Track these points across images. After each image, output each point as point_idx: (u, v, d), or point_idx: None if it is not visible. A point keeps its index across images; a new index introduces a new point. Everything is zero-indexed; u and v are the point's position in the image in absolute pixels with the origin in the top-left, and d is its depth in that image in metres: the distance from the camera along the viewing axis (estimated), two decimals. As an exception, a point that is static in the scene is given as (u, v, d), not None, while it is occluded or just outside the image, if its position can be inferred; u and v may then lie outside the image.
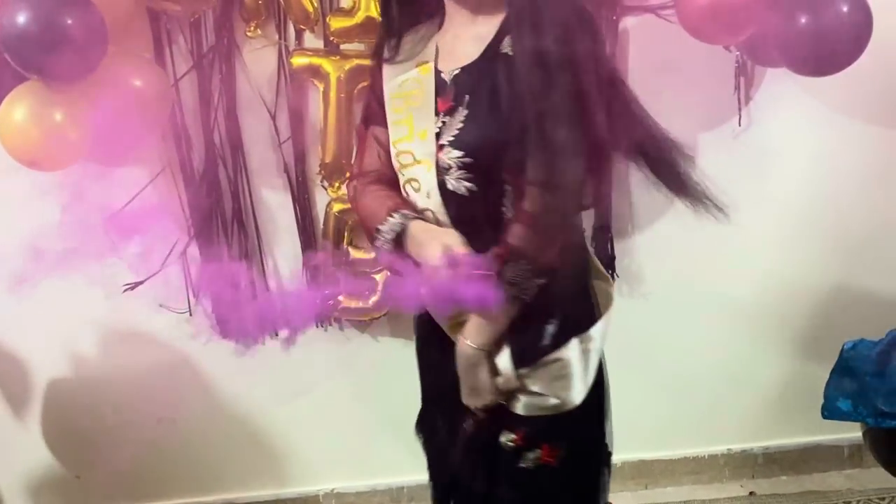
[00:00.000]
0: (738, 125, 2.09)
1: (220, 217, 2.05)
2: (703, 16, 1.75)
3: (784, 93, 2.06)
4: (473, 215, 1.24)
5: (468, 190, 1.24)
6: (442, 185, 1.25)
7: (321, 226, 2.09)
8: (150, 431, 2.27)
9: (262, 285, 2.11)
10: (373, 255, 2.05)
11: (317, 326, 2.16)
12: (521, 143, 1.17)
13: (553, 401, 1.29)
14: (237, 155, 2.03)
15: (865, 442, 2.09)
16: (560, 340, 1.27)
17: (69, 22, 1.58)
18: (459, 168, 1.23)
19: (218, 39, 1.95)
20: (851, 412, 1.98)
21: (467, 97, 1.24)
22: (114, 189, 1.94)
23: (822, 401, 2.04)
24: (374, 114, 1.35)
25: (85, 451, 2.29)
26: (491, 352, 1.27)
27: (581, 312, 1.31)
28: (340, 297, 2.06)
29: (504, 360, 1.27)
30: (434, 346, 1.39)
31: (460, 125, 1.23)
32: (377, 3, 1.80)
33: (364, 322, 2.16)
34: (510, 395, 1.29)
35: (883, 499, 2.26)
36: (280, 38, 1.97)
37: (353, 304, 2.07)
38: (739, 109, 2.08)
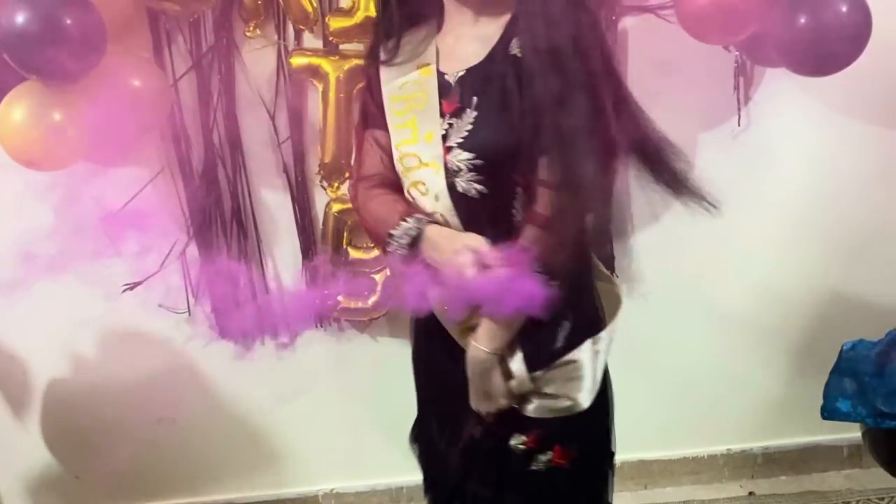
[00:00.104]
0: (738, 125, 2.09)
1: (220, 217, 2.05)
2: (702, 16, 1.75)
3: (783, 93, 2.06)
4: (484, 217, 1.23)
5: (479, 192, 1.23)
6: (451, 188, 1.24)
7: (320, 226, 2.08)
8: (149, 431, 2.27)
9: (261, 285, 2.11)
10: (372, 255, 2.05)
11: (316, 326, 2.16)
12: (534, 144, 1.17)
13: (565, 402, 1.29)
14: (236, 155, 2.03)
15: (865, 442, 2.09)
16: (573, 342, 1.27)
17: (68, 22, 1.58)
18: (470, 170, 1.23)
19: (217, 39, 1.95)
20: (851, 413, 1.98)
21: (475, 99, 1.23)
22: (113, 189, 1.94)
23: (821, 401, 2.04)
24: (373, 116, 1.33)
25: (84, 451, 2.29)
26: (503, 356, 1.26)
27: (591, 313, 1.32)
28: (340, 298, 2.05)
29: (518, 363, 1.27)
30: (438, 351, 1.37)
31: (469, 127, 1.23)
32: (376, 4, 1.80)
33: (363, 322, 2.16)
34: (521, 398, 1.29)
35: (882, 499, 2.26)
36: (279, 38, 1.97)
37: (353, 304, 2.07)
38: (739, 109, 2.08)
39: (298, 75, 1.96)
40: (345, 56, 1.93)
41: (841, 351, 2.03)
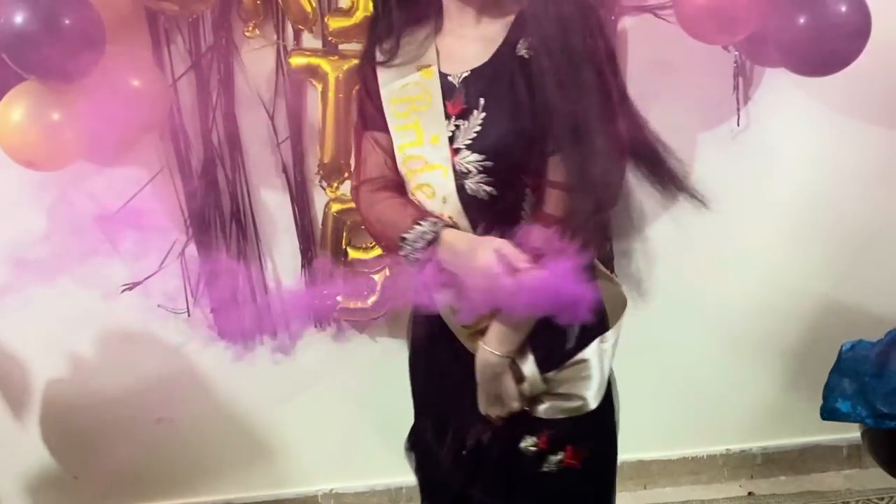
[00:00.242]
0: (737, 125, 2.09)
1: (219, 217, 2.05)
2: (701, 16, 1.75)
3: (783, 93, 2.06)
4: (493, 219, 1.21)
5: (488, 194, 1.22)
6: (460, 190, 1.23)
7: (319, 226, 2.08)
8: (148, 432, 2.27)
9: (261, 286, 2.11)
10: (371, 255, 2.05)
11: (315, 327, 2.16)
12: (545, 145, 1.17)
13: (576, 402, 1.29)
14: (235, 155, 2.03)
15: (864, 443, 2.09)
16: (582, 341, 1.27)
17: (67, 21, 1.57)
18: (480, 172, 1.22)
19: (216, 39, 1.95)
20: (850, 413, 1.98)
21: (482, 100, 1.22)
22: (112, 189, 1.94)
23: (820, 401, 2.04)
24: (372, 118, 1.31)
25: (83, 451, 2.29)
26: (513, 358, 1.25)
27: (598, 312, 1.29)
28: (339, 298, 2.05)
29: (529, 365, 1.26)
30: (442, 355, 1.36)
31: (478, 128, 1.22)
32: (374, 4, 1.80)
33: (362, 322, 2.15)
34: (532, 399, 1.28)
35: (882, 499, 2.26)
36: (278, 39, 1.96)
37: (352, 304, 2.07)
38: (738, 109, 2.07)
39: (297, 75, 1.96)
40: (344, 56, 1.93)
41: (840, 351, 2.03)
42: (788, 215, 2.19)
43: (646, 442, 2.29)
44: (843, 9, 1.69)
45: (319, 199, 2.07)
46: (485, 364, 1.25)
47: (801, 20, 1.69)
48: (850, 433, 2.22)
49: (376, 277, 2.05)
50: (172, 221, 2.05)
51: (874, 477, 2.25)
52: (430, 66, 1.27)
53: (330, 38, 1.93)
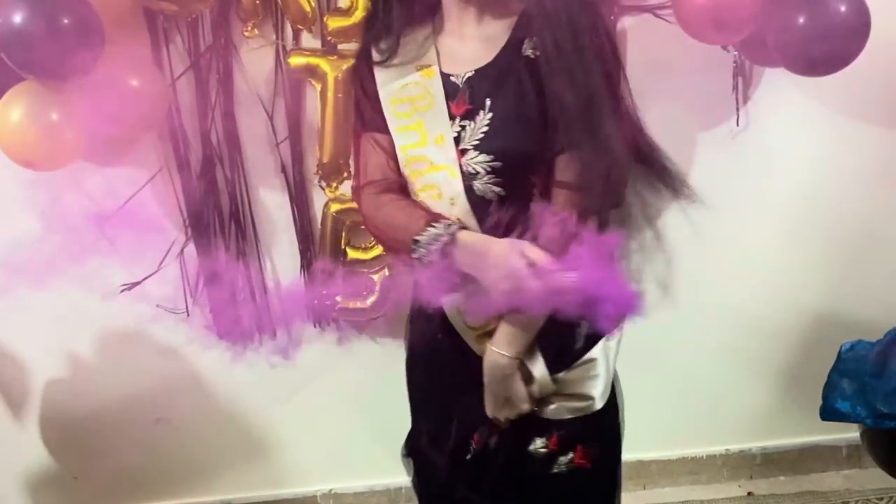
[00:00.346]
0: (736, 125, 2.09)
1: (218, 217, 2.05)
2: (700, 15, 1.75)
3: (782, 93, 2.06)
4: (502, 219, 1.20)
5: (496, 194, 1.22)
6: (468, 191, 1.22)
7: (319, 226, 2.08)
8: (147, 432, 2.27)
9: (260, 286, 2.11)
10: (370, 255, 2.05)
11: (314, 327, 2.16)
12: (554, 144, 1.17)
13: (584, 402, 1.29)
14: (234, 155, 2.03)
15: (863, 443, 2.09)
16: (590, 341, 1.27)
17: (65, 21, 1.57)
18: (488, 172, 1.21)
19: (215, 39, 1.95)
20: (850, 413, 1.98)
21: (488, 100, 1.22)
22: (111, 189, 1.94)
23: (820, 401, 2.04)
24: (371, 118, 1.29)
25: (82, 451, 2.29)
26: (522, 359, 1.25)
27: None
28: (338, 298, 2.05)
29: (539, 366, 1.25)
30: (446, 359, 1.34)
31: (485, 129, 1.21)
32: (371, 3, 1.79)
33: (362, 322, 2.15)
34: (540, 401, 1.28)
35: (881, 499, 2.26)
36: (277, 38, 1.96)
37: (351, 304, 2.07)
38: (737, 109, 2.07)
39: (297, 75, 1.96)
40: (343, 56, 1.93)
41: (840, 351, 2.03)
42: (788, 215, 2.19)
43: (645, 442, 2.29)
44: (843, 9, 1.69)
45: (318, 199, 2.07)
46: (494, 366, 1.24)
47: (801, 20, 1.69)
48: (850, 433, 2.22)
49: (375, 277, 2.04)
50: (171, 221, 2.05)
51: (874, 477, 2.25)
52: (430, 66, 1.26)
53: (329, 38, 1.93)
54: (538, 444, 1.30)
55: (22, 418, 2.26)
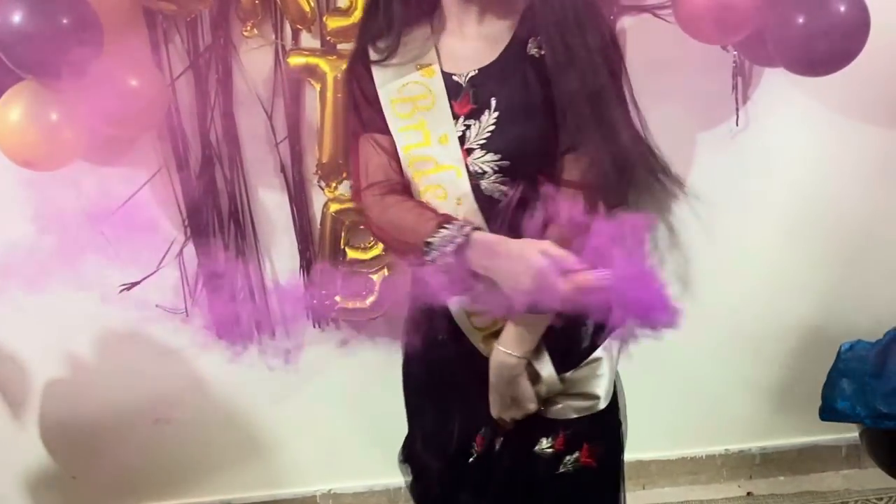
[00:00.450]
0: (736, 125, 2.09)
1: (217, 217, 2.05)
2: (700, 15, 1.75)
3: (781, 93, 2.06)
4: (508, 219, 1.19)
5: (504, 194, 1.21)
6: (475, 190, 1.22)
7: (318, 226, 2.08)
8: (146, 432, 2.27)
9: (259, 286, 2.11)
10: (370, 255, 2.05)
11: (314, 327, 2.16)
12: (563, 143, 1.16)
13: (589, 401, 1.29)
14: (234, 155, 2.03)
15: (863, 443, 2.09)
16: (595, 339, 1.27)
17: (64, 21, 1.57)
18: (496, 172, 1.21)
19: (214, 39, 1.95)
20: (849, 413, 1.98)
21: (493, 100, 1.21)
22: (110, 189, 1.94)
23: (819, 401, 2.04)
24: (370, 119, 1.28)
25: (81, 451, 2.29)
26: (529, 359, 1.24)
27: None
28: (337, 298, 2.05)
29: (546, 366, 1.25)
30: (448, 360, 1.33)
31: (492, 127, 1.21)
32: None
33: (361, 322, 2.15)
34: (545, 401, 1.28)
35: (881, 499, 2.26)
36: (277, 38, 1.96)
37: (350, 304, 2.07)
38: (737, 109, 2.07)
39: (296, 75, 1.96)
40: (342, 56, 1.92)
41: (839, 351, 2.03)
42: (787, 215, 2.18)
43: (645, 442, 2.29)
44: (842, 8, 1.69)
45: (318, 198, 2.07)
46: (501, 366, 1.24)
47: (800, 20, 1.69)
48: (849, 433, 2.22)
49: (375, 277, 2.04)
50: (170, 221, 2.05)
51: (873, 477, 2.25)
52: (430, 65, 1.26)
53: (328, 38, 1.93)
54: (544, 445, 1.30)
55: (21, 418, 2.26)
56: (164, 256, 2.01)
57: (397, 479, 2.29)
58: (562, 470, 1.30)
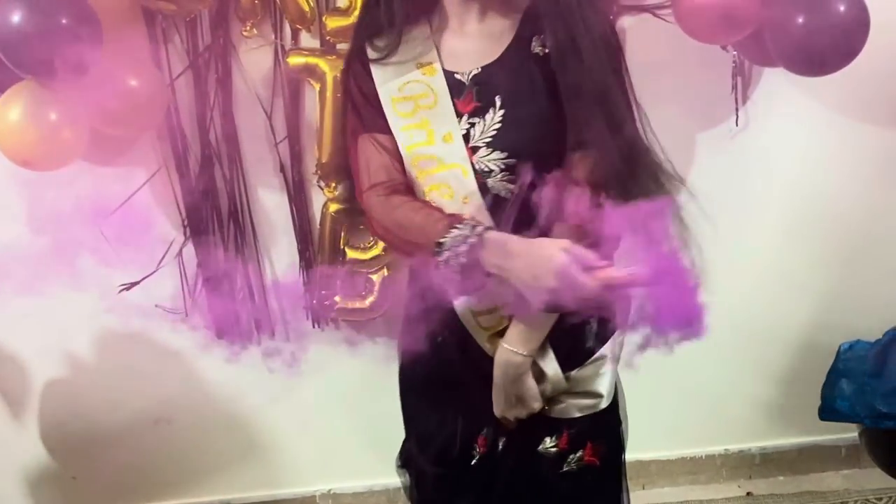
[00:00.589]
0: (735, 125, 2.09)
1: (216, 217, 2.05)
2: (699, 15, 1.75)
3: (781, 93, 2.06)
4: (515, 217, 1.18)
5: (511, 192, 1.21)
6: (482, 189, 1.21)
7: (317, 226, 2.08)
8: (146, 433, 2.27)
9: (258, 286, 2.10)
10: (369, 255, 2.05)
11: (314, 327, 2.15)
12: (570, 140, 1.16)
13: (592, 399, 1.29)
14: (233, 154, 2.03)
15: (862, 443, 2.09)
16: (600, 339, 1.28)
17: (64, 21, 1.57)
18: (503, 170, 1.21)
19: (214, 39, 1.95)
20: (849, 413, 1.98)
21: (498, 98, 1.21)
22: (109, 189, 1.94)
23: (819, 401, 2.04)
24: (370, 118, 1.27)
25: (81, 452, 2.28)
26: (534, 358, 1.24)
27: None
28: (337, 298, 2.05)
29: (552, 364, 1.25)
30: (450, 361, 1.32)
31: (498, 125, 1.21)
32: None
33: (360, 322, 2.15)
34: (549, 400, 1.27)
35: (880, 499, 2.26)
36: (276, 38, 1.96)
37: (350, 304, 2.07)
38: (737, 109, 2.07)
39: (295, 75, 1.96)
40: (342, 56, 1.92)
41: (838, 351, 2.03)
42: (786, 215, 2.18)
43: (644, 442, 2.28)
44: (842, 8, 1.69)
45: (317, 198, 2.07)
46: (507, 364, 1.23)
47: (800, 19, 1.69)
48: (849, 433, 2.22)
49: (374, 277, 2.04)
50: (170, 221, 2.05)
51: (873, 477, 2.25)
52: (431, 63, 1.25)
53: (328, 38, 1.93)
54: (548, 444, 1.30)
55: (21, 419, 2.26)
56: (163, 256, 2.01)
57: (397, 479, 2.29)
58: (565, 469, 1.30)
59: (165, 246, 2.02)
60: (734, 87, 2.05)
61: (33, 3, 1.56)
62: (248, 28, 1.93)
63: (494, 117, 1.21)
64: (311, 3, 1.90)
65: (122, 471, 2.30)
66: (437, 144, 1.23)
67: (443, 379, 1.35)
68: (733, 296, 2.20)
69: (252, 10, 1.91)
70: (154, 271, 1.99)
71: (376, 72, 1.27)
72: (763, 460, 2.39)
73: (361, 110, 1.28)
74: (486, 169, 1.21)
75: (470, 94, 1.23)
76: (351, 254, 2.06)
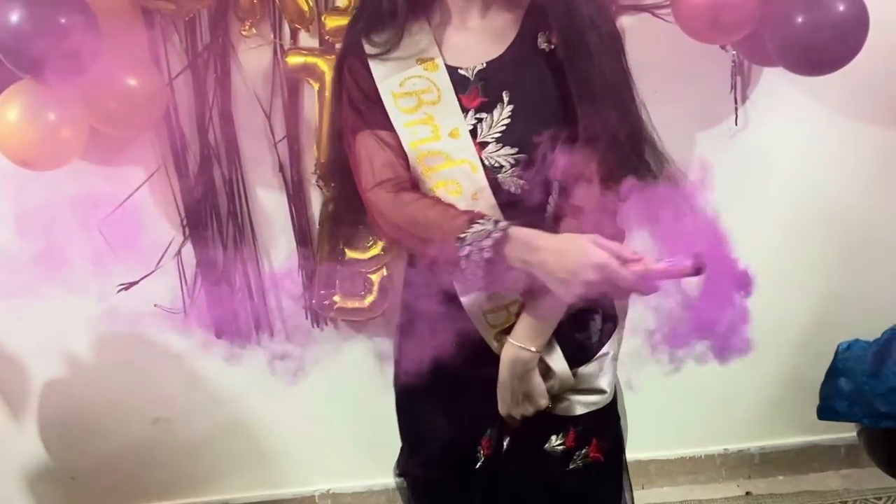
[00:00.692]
0: (735, 124, 2.09)
1: (215, 217, 2.04)
2: (699, 15, 1.75)
3: (780, 92, 2.06)
4: (523, 212, 1.19)
5: (519, 187, 1.21)
6: (492, 185, 1.21)
7: (317, 226, 2.08)
8: (145, 432, 2.27)
9: (257, 285, 2.10)
10: (369, 255, 2.05)
11: (313, 327, 2.15)
12: (575, 136, 1.16)
13: (597, 396, 1.29)
14: (232, 154, 2.03)
15: (861, 442, 2.09)
16: (605, 335, 1.28)
17: (63, 21, 1.57)
18: (513, 165, 1.20)
19: (213, 38, 1.94)
20: (847, 413, 1.98)
21: (505, 93, 1.21)
22: (108, 188, 1.94)
23: (818, 401, 2.04)
24: (372, 116, 1.25)
25: (80, 452, 2.28)
26: (542, 354, 1.24)
27: (610, 304, 1.30)
28: (336, 298, 2.05)
29: (559, 361, 1.25)
30: (456, 363, 1.28)
31: (507, 121, 1.20)
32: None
33: (360, 322, 2.15)
34: (554, 398, 1.27)
35: (879, 498, 2.26)
36: (275, 37, 1.96)
37: (349, 304, 2.06)
38: (736, 109, 2.07)
39: (294, 74, 1.95)
40: (341, 55, 1.93)
41: (837, 351, 2.03)
42: (785, 215, 2.18)
43: (644, 442, 2.28)
44: (841, 7, 1.68)
45: (316, 198, 2.07)
46: (515, 360, 1.23)
47: (799, 19, 1.69)
48: (848, 433, 2.22)
49: (373, 277, 2.04)
50: (169, 221, 2.05)
51: (872, 476, 2.25)
52: (433, 59, 1.24)
53: (327, 37, 1.93)
54: (554, 442, 1.29)
55: (20, 418, 2.25)
56: (162, 256, 2.01)
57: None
58: (571, 466, 1.30)
59: (164, 245, 2.02)
60: (733, 86, 2.05)
61: (32, 3, 1.56)
62: (246, 27, 1.93)
63: (503, 113, 1.21)
64: (310, 3, 1.89)
65: (121, 471, 2.30)
66: (444, 140, 1.22)
67: (445, 382, 1.32)
68: (732, 295, 2.21)
69: (251, 9, 1.91)
70: (153, 271, 1.99)
71: (375, 67, 1.25)
72: (762, 460, 2.39)
73: (360, 107, 1.27)
74: (497, 165, 1.21)
75: (475, 90, 1.22)
76: (350, 253, 2.05)
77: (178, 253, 2.04)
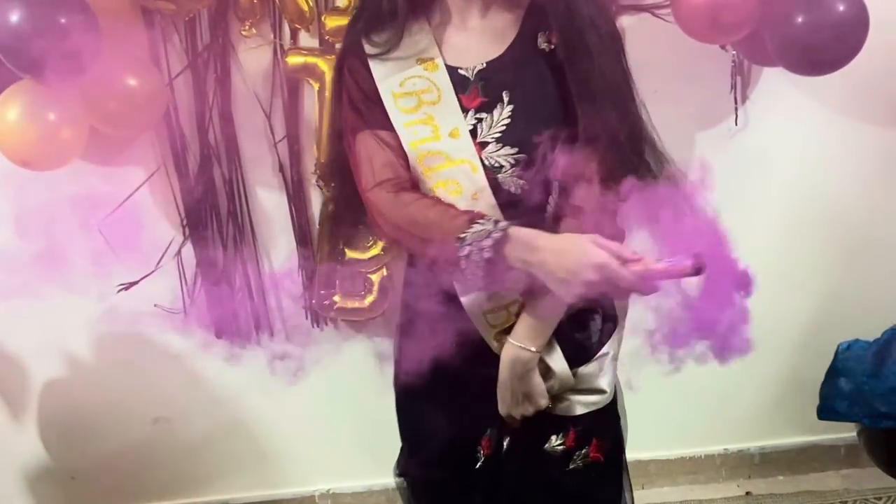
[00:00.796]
0: (735, 124, 2.09)
1: (215, 217, 2.04)
2: (699, 15, 1.75)
3: (780, 92, 2.06)
4: (523, 212, 1.19)
5: (519, 187, 1.21)
6: (492, 185, 1.21)
7: (317, 226, 2.08)
8: (145, 432, 2.27)
9: (257, 285, 2.10)
10: (368, 255, 2.05)
11: (313, 327, 2.15)
12: (575, 136, 1.16)
13: (597, 395, 1.29)
14: (232, 154, 2.03)
15: (861, 442, 2.09)
16: (605, 335, 1.28)
17: (62, 21, 1.57)
18: (513, 165, 1.20)
19: (213, 38, 1.95)
20: (847, 413, 1.98)
21: (506, 93, 1.21)
22: (108, 189, 1.94)
23: (817, 401, 2.04)
24: (372, 115, 1.25)
25: (80, 452, 2.28)
26: (542, 354, 1.24)
27: (609, 303, 1.30)
28: (336, 298, 2.05)
29: (559, 361, 1.25)
30: (457, 363, 1.28)
31: (507, 121, 1.21)
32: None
33: (360, 322, 2.15)
34: (554, 398, 1.27)
35: (879, 498, 2.26)
36: (275, 37, 1.96)
37: (349, 304, 2.07)
38: (736, 109, 2.07)
39: (294, 74, 1.95)
40: (341, 55, 1.93)
41: (837, 351, 2.03)
42: (785, 215, 2.18)
43: (644, 442, 2.28)
44: (841, 7, 1.69)
45: (316, 198, 2.07)
46: (515, 360, 1.23)
47: (799, 19, 1.69)
48: (848, 433, 2.22)
49: (373, 277, 2.04)
50: (169, 221, 2.05)
51: (872, 476, 2.25)
52: (433, 59, 1.24)
53: (327, 37, 1.93)
54: (554, 442, 1.30)
55: (19, 418, 2.25)
56: (162, 256, 2.01)
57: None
58: (571, 467, 1.30)
59: (164, 245, 2.02)
60: (733, 86, 2.05)
61: (32, 3, 1.56)
62: (246, 27, 1.93)
63: (503, 113, 1.21)
64: (310, 3, 1.89)
65: (121, 471, 2.30)
66: (444, 140, 1.22)
67: (445, 382, 1.32)
68: (732, 295, 2.20)
69: (251, 9, 1.91)
70: (153, 271, 1.99)
71: (375, 67, 1.26)
72: (762, 460, 2.39)
73: (360, 106, 1.27)
74: (497, 165, 1.21)
75: (475, 90, 1.23)
76: (350, 253, 2.05)
77: (178, 253, 2.04)
